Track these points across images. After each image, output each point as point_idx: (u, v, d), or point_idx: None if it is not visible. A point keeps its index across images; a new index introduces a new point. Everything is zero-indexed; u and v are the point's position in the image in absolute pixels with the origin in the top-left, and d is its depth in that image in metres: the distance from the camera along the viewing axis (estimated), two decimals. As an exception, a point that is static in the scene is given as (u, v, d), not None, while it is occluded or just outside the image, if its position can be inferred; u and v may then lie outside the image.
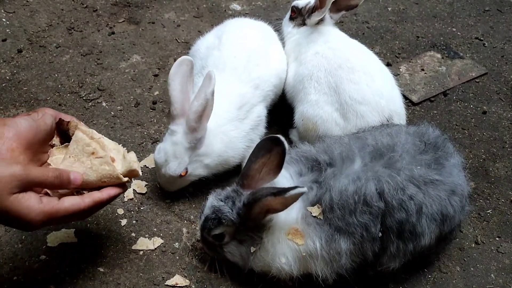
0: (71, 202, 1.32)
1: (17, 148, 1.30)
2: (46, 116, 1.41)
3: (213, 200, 1.57)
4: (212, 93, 1.69)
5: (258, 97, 2.03)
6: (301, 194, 1.39)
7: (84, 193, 1.39)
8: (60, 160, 1.43)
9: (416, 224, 1.51)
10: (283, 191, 1.38)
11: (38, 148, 1.40)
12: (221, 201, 1.54)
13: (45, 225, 1.30)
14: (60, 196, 1.35)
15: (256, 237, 1.54)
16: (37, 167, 1.32)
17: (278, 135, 1.47)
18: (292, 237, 1.50)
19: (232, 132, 1.92)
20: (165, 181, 1.90)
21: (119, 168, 1.44)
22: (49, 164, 1.43)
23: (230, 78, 1.97)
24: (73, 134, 1.45)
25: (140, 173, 1.50)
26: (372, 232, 1.49)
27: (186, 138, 1.78)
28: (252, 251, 1.56)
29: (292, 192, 1.37)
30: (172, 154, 1.80)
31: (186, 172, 1.85)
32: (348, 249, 1.49)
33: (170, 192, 1.96)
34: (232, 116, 1.93)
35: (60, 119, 1.46)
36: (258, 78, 2.02)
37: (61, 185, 1.33)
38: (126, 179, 1.45)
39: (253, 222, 1.51)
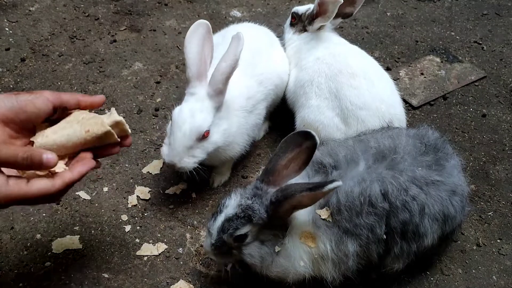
0: (41, 186, 1.23)
1: None
2: (39, 100, 1.33)
3: (240, 198, 1.51)
4: (240, 53, 1.70)
5: (261, 94, 2.05)
6: (336, 187, 1.35)
7: (55, 174, 1.29)
8: (42, 136, 1.36)
9: (419, 224, 1.53)
10: (320, 185, 1.34)
11: (21, 126, 1.32)
12: (249, 199, 1.49)
13: (12, 205, 1.24)
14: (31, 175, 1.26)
15: (280, 235, 1.52)
16: (7, 145, 1.22)
17: (308, 130, 1.47)
18: (304, 240, 1.51)
19: (242, 119, 1.94)
20: (180, 145, 1.75)
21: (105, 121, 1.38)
22: (32, 142, 1.34)
23: (236, 70, 1.99)
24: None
25: (128, 128, 1.42)
26: (377, 233, 1.51)
27: (211, 98, 1.77)
28: (276, 251, 1.53)
29: (330, 185, 1.33)
30: (199, 109, 1.76)
31: (208, 132, 1.78)
32: (355, 251, 1.51)
33: (183, 194, 1.96)
34: (242, 105, 1.94)
35: (64, 108, 1.38)
36: (261, 74, 2.04)
37: (31, 167, 1.23)
38: (109, 128, 1.35)
39: (279, 220, 1.49)
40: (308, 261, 1.53)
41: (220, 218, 1.51)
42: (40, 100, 1.33)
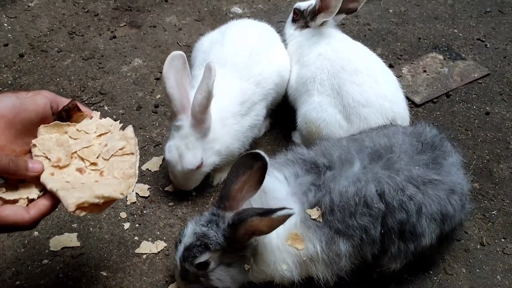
0: (13, 212, 1.15)
1: None
2: (38, 97, 1.30)
3: (194, 227, 1.49)
4: (213, 84, 1.68)
5: (259, 95, 2.03)
6: (289, 216, 1.33)
7: (34, 200, 1.22)
8: (47, 140, 1.31)
9: (416, 224, 1.50)
10: (270, 211, 1.33)
11: (22, 128, 1.26)
12: (204, 226, 1.47)
13: None
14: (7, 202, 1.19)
15: (247, 254, 1.49)
16: None
17: (258, 151, 1.45)
18: (292, 243, 1.48)
19: (235, 126, 1.94)
20: (182, 179, 1.89)
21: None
22: (34, 145, 1.29)
23: (231, 73, 1.98)
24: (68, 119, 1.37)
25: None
26: (372, 235, 1.48)
27: (195, 129, 1.79)
28: (246, 269, 1.50)
29: (280, 213, 1.31)
30: (185, 147, 1.80)
31: (202, 162, 1.84)
32: (347, 251, 1.48)
33: (183, 191, 1.96)
34: (235, 111, 1.94)
35: (66, 110, 1.35)
36: (259, 75, 2.02)
37: (17, 171, 1.18)
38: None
39: (239, 244, 1.46)
40: (293, 264, 1.49)
41: (181, 248, 1.49)
42: (39, 97, 1.30)
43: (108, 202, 1.24)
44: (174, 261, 1.53)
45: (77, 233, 1.82)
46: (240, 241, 1.44)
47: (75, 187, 1.23)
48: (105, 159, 1.34)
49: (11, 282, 1.67)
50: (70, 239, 1.80)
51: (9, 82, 2.45)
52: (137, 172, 1.34)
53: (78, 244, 1.79)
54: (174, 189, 2.00)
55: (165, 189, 2.01)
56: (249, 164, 1.44)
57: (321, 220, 1.47)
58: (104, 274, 1.72)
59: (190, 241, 1.47)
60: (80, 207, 1.18)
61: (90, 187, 1.23)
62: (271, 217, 1.33)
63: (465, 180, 1.65)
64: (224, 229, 1.44)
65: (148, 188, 2.00)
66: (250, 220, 1.36)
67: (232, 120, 1.94)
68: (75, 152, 1.33)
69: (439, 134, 1.69)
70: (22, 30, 2.76)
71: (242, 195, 1.47)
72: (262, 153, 1.43)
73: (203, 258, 1.46)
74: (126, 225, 1.87)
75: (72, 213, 1.18)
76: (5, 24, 2.78)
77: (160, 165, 2.10)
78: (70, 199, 1.17)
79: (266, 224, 1.37)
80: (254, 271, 1.52)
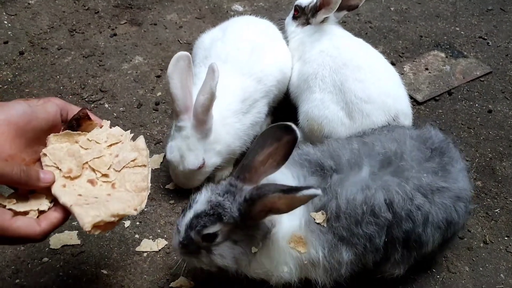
0: (25, 224, 1.13)
1: (2, 134, 1.17)
2: (49, 104, 1.27)
3: (210, 194, 1.38)
4: (216, 85, 1.67)
5: (260, 92, 2.01)
6: (314, 196, 1.24)
7: (44, 212, 1.20)
8: (58, 149, 1.27)
9: (421, 233, 1.47)
10: (295, 189, 1.22)
11: (33, 137, 1.24)
12: (220, 196, 1.36)
13: None
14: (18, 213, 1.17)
15: (257, 236, 1.40)
16: (3, 161, 1.15)
17: (289, 123, 1.33)
18: (294, 245, 1.42)
19: (236, 124, 1.93)
20: (184, 179, 1.89)
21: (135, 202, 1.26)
22: (44, 155, 1.26)
23: (233, 70, 1.96)
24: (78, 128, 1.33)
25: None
26: (375, 243, 1.43)
27: (196, 130, 1.78)
28: (253, 252, 1.41)
29: (305, 192, 1.21)
30: (187, 148, 1.80)
31: (203, 163, 1.84)
32: (349, 259, 1.43)
33: (184, 189, 1.95)
34: (236, 109, 1.93)
35: (77, 119, 1.32)
36: (261, 71, 2.00)
37: (28, 182, 1.16)
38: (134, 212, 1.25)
39: (252, 221, 1.37)
40: (294, 266, 1.44)
41: (189, 214, 1.38)
42: (49, 105, 1.28)
43: (121, 218, 1.22)
44: (177, 226, 1.42)
45: (77, 231, 1.80)
46: (254, 218, 1.35)
47: (89, 203, 1.19)
48: (116, 171, 1.31)
49: (11, 281, 1.66)
50: (70, 237, 1.79)
51: (9, 79, 2.44)
52: (150, 185, 1.30)
53: (78, 242, 1.78)
54: (175, 187, 1.99)
55: (166, 187, 2.00)
56: (278, 136, 1.34)
57: (325, 225, 1.41)
58: (105, 272, 1.71)
59: (202, 208, 1.36)
60: (95, 225, 1.16)
61: (104, 204, 1.20)
62: (295, 195, 1.22)
63: (470, 185, 1.61)
64: (240, 203, 1.34)
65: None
66: (271, 196, 1.26)
67: (233, 119, 1.93)
68: (86, 162, 1.29)
69: (446, 139, 1.64)
70: (22, 27, 2.75)
71: (264, 168, 1.37)
72: (294, 126, 1.32)
73: (213, 229, 1.35)
74: (127, 223, 1.85)
75: (88, 232, 1.15)
76: (5, 22, 2.77)
77: (161, 163, 2.09)
78: (86, 218, 1.15)
79: (285, 203, 1.27)
80: (255, 261, 1.44)
